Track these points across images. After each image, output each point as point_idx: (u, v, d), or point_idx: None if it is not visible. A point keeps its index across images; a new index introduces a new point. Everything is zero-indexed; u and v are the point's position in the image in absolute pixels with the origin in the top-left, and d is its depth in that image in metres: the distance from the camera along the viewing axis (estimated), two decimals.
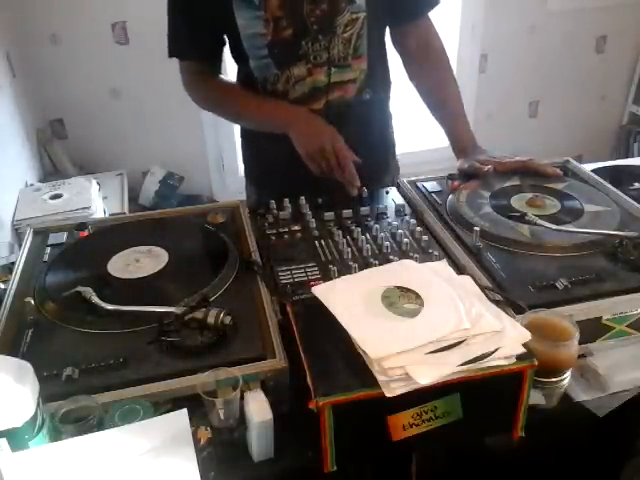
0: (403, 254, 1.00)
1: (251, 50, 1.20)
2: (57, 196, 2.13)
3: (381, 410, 0.70)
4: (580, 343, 0.81)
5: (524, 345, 0.73)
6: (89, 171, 2.57)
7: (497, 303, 0.83)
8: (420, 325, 0.75)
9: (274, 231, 1.09)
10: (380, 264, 0.95)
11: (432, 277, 0.85)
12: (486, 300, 0.82)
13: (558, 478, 0.98)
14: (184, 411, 0.71)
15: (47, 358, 0.81)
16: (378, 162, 1.38)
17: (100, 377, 0.78)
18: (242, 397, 0.75)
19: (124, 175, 2.55)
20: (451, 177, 1.23)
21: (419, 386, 0.68)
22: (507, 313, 0.81)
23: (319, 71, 1.22)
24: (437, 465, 0.86)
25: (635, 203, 1.12)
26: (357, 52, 1.22)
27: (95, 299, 0.88)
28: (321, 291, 0.84)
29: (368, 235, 1.06)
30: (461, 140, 1.30)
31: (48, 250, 1.08)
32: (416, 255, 0.99)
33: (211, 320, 0.82)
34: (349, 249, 1.01)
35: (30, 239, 1.12)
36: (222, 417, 0.74)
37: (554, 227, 1.01)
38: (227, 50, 1.28)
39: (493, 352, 0.71)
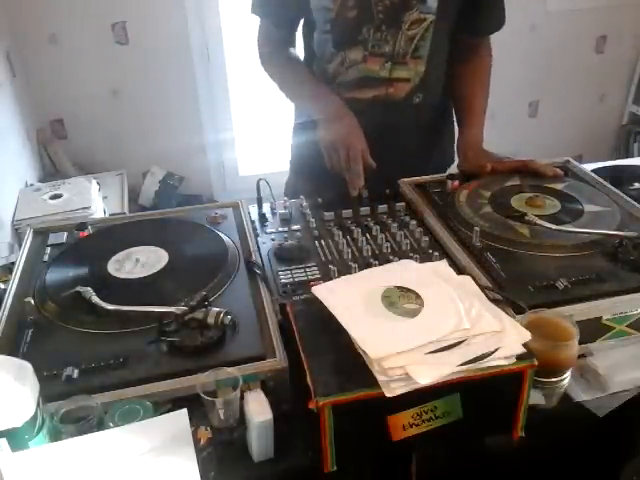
0: (403, 254, 1.00)
1: (318, 22, 1.22)
2: (57, 196, 2.13)
3: (381, 410, 0.70)
4: (580, 343, 0.80)
5: (524, 345, 0.73)
6: (89, 171, 2.57)
7: (497, 303, 0.83)
8: (420, 325, 0.75)
9: (274, 231, 1.09)
10: (380, 264, 0.95)
11: (432, 277, 0.85)
12: (486, 300, 0.82)
13: (558, 478, 0.98)
14: (184, 411, 0.71)
15: (47, 358, 0.80)
16: (417, 170, 1.30)
17: (100, 377, 0.78)
18: (242, 397, 0.75)
19: (124, 175, 2.56)
20: (451, 177, 1.23)
21: (419, 386, 0.68)
22: (507, 313, 0.81)
23: (375, 61, 1.22)
24: (437, 465, 0.86)
25: (635, 203, 1.12)
26: (417, 52, 1.22)
27: (95, 299, 0.88)
28: (321, 291, 0.84)
29: (368, 235, 1.06)
30: (468, 140, 1.30)
31: (48, 250, 1.07)
32: (416, 255, 0.99)
33: (211, 320, 0.82)
34: (349, 249, 1.01)
35: (30, 239, 1.12)
36: (222, 417, 0.74)
37: (554, 227, 1.01)
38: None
39: (493, 352, 0.71)
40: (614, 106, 3.29)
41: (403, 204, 1.16)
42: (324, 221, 1.12)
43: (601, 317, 0.87)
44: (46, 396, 0.71)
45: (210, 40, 2.57)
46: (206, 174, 2.86)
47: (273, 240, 1.06)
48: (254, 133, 2.88)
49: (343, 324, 0.76)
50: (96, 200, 2.15)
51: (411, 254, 1.00)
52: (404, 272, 0.87)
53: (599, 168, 1.49)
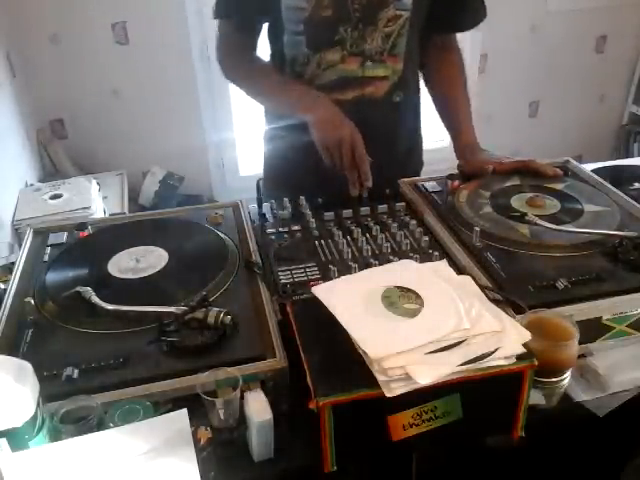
0: (403, 254, 1.00)
1: (288, 23, 1.18)
2: (57, 196, 2.13)
3: (381, 410, 0.70)
4: (580, 343, 0.80)
5: (524, 345, 0.73)
6: (89, 171, 2.57)
7: (497, 303, 0.83)
8: (420, 325, 0.75)
9: (274, 231, 1.09)
10: (380, 264, 0.95)
11: (432, 277, 0.85)
12: (486, 300, 0.82)
13: (558, 478, 0.98)
14: (184, 411, 0.71)
15: (47, 358, 0.81)
16: (398, 171, 1.32)
17: (100, 377, 0.78)
18: (242, 397, 0.75)
19: (124, 175, 2.55)
20: (451, 177, 1.23)
21: (419, 386, 0.68)
22: (507, 313, 0.81)
23: (353, 60, 1.20)
24: (437, 465, 0.86)
25: (635, 203, 1.12)
26: (394, 50, 1.21)
27: (95, 299, 0.88)
28: (321, 291, 0.84)
29: (368, 235, 1.06)
30: (463, 140, 1.30)
31: (48, 250, 1.08)
32: (416, 255, 0.99)
33: (211, 320, 0.82)
34: (349, 249, 1.01)
35: (30, 239, 1.12)
36: (222, 417, 0.74)
37: (554, 227, 1.01)
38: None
39: (493, 352, 0.71)
40: (614, 106, 3.29)
41: (403, 204, 1.16)
42: (324, 221, 1.12)
43: (601, 317, 0.87)
44: (46, 396, 0.71)
45: (210, 40, 2.56)
46: (206, 174, 2.85)
47: (273, 240, 1.06)
48: (254, 133, 2.87)
49: (343, 324, 0.76)
50: (96, 200, 2.15)
51: (411, 254, 1.00)
52: (404, 272, 0.87)
53: (599, 168, 1.49)
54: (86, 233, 1.11)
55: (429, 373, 0.68)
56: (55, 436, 0.71)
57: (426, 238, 1.04)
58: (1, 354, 0.70)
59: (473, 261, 0.97)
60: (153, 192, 2.66)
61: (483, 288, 0.87)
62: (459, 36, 1.36)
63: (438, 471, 0.87)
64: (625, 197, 1.15)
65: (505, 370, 0.72)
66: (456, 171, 1.27)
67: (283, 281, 0.94)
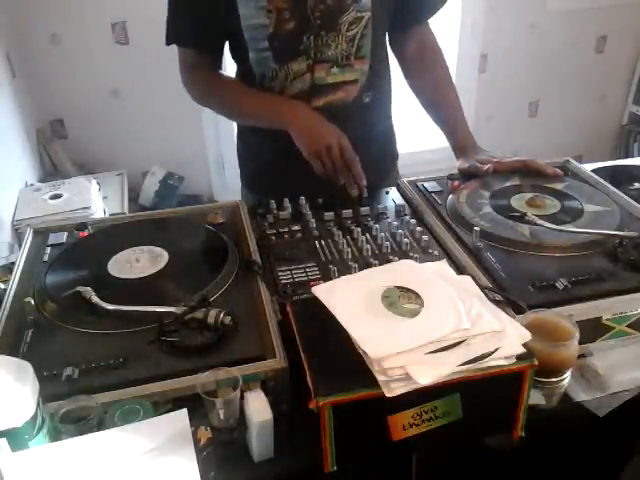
0: (403, 254, 1.00)
1: (251, 42, 1.17)
2: (57, 196, 2.13)
3: (381, 410, 0.70)
4: (580, 343, 0.80)
5: (524, 345, 0.73)
6: (89, 171, 2.57)
7: (497, 303, 0.83)
8: (420, 325, 0.75)
9: (274, 231, 1.09)
10: (380, 264, 0.95)
11: (432, 277, 0.85)
12: (486, 300, 0.82)
13: (558, 478, 0.98)
14: (184, 411, 0.71)
15: (47, 358, 0.80)
16: (376, 170, 1.33)
17: (100, 377, 0.78)
18: (242, 397, 0.75)
19: (124, 175, 2.55)
20: (451, 177, 1.23)
21: (419, 386, 0.68)
22: (507, 313, 0.81)
23: (320, 68, 1.20)
24: (437, 465, 0.86)
25: (635, 203, 1.12)
26: (360, 52, 1.21)
27: (95, 299, 0.88)
28: (321, 291, 0.84)
29: (368, 235, 1.06)
30: (460, 140, 1.30)
31: (48, 250, 1.08)
32: (416, 255, 0.99)
33: (211, 320, 0.82)
34: (349, 249, 1.01)
35: (30, 239, 1.12)
36: (222, 417, 0.74)
37: (554, 227, 1.01)
38: (227, 53, 1.27)
39: (493, 352, 0.71)
40: (614, 106, 3.29)
41: (403, 204, 1.16)
42: (324, 221, 1.12)
43: (601, 317, 0.87)
44: (46, 396, 0.71)
45: None
46: (206, 174, 2.85)
47: (273, 240, 1.06)
48: None
49: (343, 324, 0.76)
50: (96, 200, 2.15)
51: (411, 254, 1.00)
52: (404, 272, 0.87)
53: (599, 168, 1.49)
54: (86, 233, 1.11)
55: (429, 373, 0.68)
56: (55, 436, 0.71)
57: (426, 238, 1.04)
58: (1, 354, 0.70)
59: (473, 261, 0.97)
60: (153, 192, 2.66)
61: (483, 288, 0.87)
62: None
63: (438, 471, 0.87)
64: (625, 197, 1.15)
65: (505, 370, 0.72)
66: (456, 171, 1.27)
67: (283, 281, 0.94)
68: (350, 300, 0.80)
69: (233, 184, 2.90)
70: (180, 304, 0.87)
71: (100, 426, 0.72)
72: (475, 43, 2.87)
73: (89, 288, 0.90)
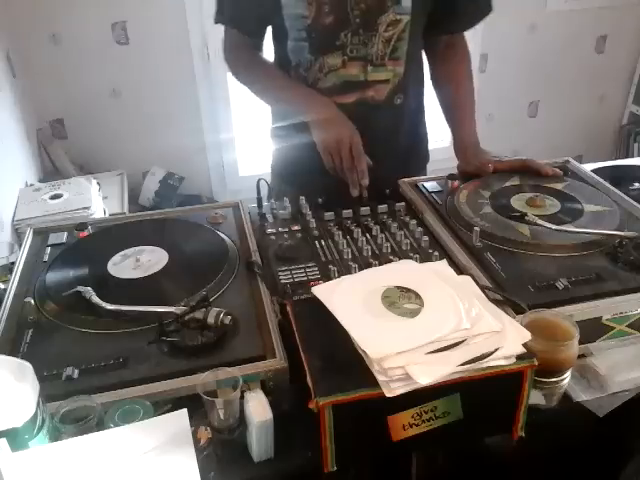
0: (403, 254, 1.00)
1: (291, 30, 1.21)
2: (57, 196, 2.13)
3: (381, 410, 0.70)
4: (580, 343, 0.80)
5: (524, 345, 0.73)
6: (89, 171, 2.57)
7: (497, 303, 0.83)
8: (420, 325, 0.75)
9: (274, 231, 1.09)
10: (380, 264, 0.95)
11: (432, 277, 0.85)
12: (486, 300, 0.82)
13: (558, 478, 0.98)
14: (184, 411, 0.71)
15: (47, 358, 0.80)
16: (403, 170, 1.33)
17: (100, 377, 0.78)
18: (242, 397, 0.75)
19: (124, 175, 2.55)
20: (451, 177, 1.23)
21: (419, 386, 0.68)
22: (507, 313, 0.81)
23: (354, 65, 1.22)
24: (437, 465, 0.86)
25: (635, 203, 1.12)
26: (395, 54, 1.22)
27: (95, 299, 0.88)
28: (321, 291, 0.84)
29: (368, 235, 1.06)
30: (464, 140, 1.30)
31: (48, 250, 1.08)
32: (416, 255, 0.99)
33: (211, 320, 0.82)
34: (349, 249, 1.01)
35: (30, 239, 1.12)
36: (222, 417, 0.74)
37: (554, 227, 1.01)
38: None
39: (493, 352, 0.71)
40: (614, 106, 3.29)
41: (403, 204, 1.16)
42: (324, 221, 1.12)
43: (601, 317, 0.87)
44: (46, 396, 0.71)
45: (210, 40, 2.56)
46: (206, 174, 2.86)
47: (273, 240, 1.06)
48: (254, 133, 2.88)
49: (343, 324, 0.76)
50: (96, 200, 2.15)
51: (411, 254, 1.00)
52: (404, 272, 0.87)
53: (599, 168, 1.49)
54: (86, 233, 1.11)
55: (429, 373, 0.68)
56: (55, 436, 0.71)
57: (426, 238, 1.04)
58: (1, 354, 0.70)
59: (473, 261, 0.97)
60: (153, 192, 2.66)
61: (483, 288, 0.87)
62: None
63: (438, 471, 0.87)
64: (625, 197, 1.15)
65: (505, 370, 0.72)
66: (456, 171, 1.27)
67: (283, 281, 0.94)
68: (350, 300, 0.80)
69: (233, 184, 2.91)
70: (180, 304, 0.87)
71: (100, 426, 0.72)
72: (475, 43, 2.87)
73: (89, 288, 0.90)
